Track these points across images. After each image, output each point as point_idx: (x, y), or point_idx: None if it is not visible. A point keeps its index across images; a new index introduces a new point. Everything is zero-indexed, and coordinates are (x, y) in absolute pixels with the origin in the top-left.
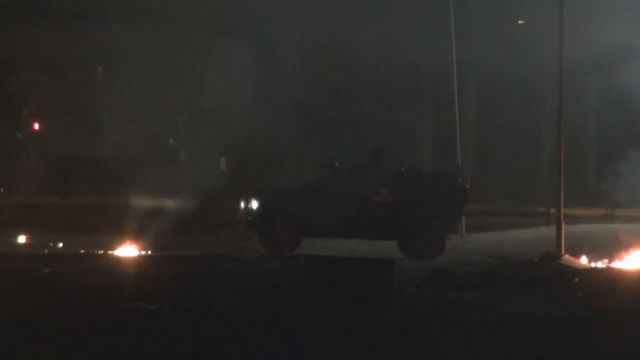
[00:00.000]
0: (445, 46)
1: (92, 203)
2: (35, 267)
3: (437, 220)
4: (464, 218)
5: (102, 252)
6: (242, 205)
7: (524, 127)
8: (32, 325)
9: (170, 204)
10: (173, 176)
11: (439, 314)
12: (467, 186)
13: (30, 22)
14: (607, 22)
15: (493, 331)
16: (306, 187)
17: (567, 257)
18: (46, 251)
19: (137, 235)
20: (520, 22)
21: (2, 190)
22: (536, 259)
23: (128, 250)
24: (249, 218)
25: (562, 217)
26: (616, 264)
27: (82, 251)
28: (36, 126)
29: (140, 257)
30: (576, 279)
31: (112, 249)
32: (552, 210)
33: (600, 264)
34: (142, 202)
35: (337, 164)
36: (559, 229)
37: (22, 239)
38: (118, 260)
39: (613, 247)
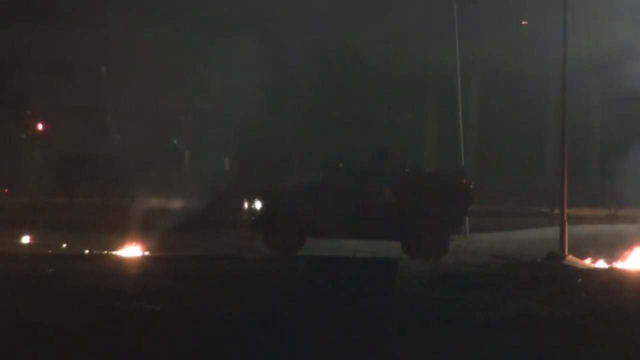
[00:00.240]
0: (448, 46)
1: (95, 203)
2: (37, 267)
3: (440, 221)
4: (467, 218)
5: (104, 252)
6: (246, 205)
7: (526, 128)
8: (32, 325)
9: (174, 204)
10: (177, 176)
11: (441, 314)
12: (471, 187)
13: (34, 23)
14: (609, 22)
15: (494, 331)
16: (309, 188)
17: (570, 258)
18: (50, 251)
19: (139, 236)
20: (523, 22)
21: (6, 190)
22: (540, 260)
23: (130, 251)
24: (252, 218)
25: (565, 218)
26: (620, 265)
27: (84, 251)
28: (40, 126)
29: (142, 257)
30: (580, 280)
31: (115, 249)
32: (556, 211)
33: (604, 265)
34: (145, 202)
35: (340, 165)
36: (562, 230)
37: (25, 239)
38: (119, 261)
39: (617, 248)
